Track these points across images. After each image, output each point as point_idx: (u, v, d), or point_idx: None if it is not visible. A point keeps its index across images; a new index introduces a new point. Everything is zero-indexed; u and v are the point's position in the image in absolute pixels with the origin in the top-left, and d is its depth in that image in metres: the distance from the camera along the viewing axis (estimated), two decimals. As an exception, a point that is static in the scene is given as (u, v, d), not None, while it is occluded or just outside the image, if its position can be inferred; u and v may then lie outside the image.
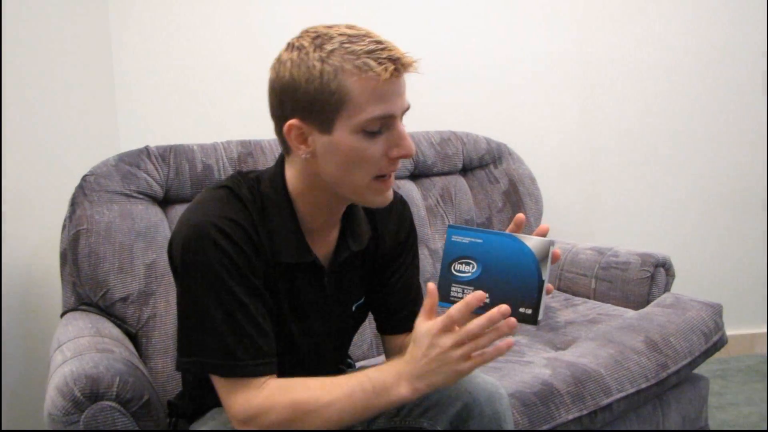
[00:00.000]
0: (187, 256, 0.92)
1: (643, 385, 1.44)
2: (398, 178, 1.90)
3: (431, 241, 1.89)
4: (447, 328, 0.88)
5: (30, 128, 1.50)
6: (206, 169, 1.57)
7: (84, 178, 1.43)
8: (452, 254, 0.95)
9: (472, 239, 0.94)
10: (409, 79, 0.93)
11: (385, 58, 0.88)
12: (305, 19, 1.04)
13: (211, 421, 1.06)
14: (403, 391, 0.89)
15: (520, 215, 0.98)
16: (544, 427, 1.27)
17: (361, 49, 0.88)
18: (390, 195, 0.99)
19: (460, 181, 2.04)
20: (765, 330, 2.58)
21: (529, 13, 2.30)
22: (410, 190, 1.90)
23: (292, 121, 0.92)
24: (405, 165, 1.90)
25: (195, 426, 1.09)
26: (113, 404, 1.00)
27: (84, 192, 1.41)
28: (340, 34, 0.90)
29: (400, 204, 1.16)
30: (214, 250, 0.90)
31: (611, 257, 1.88)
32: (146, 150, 1.54)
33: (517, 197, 2.05)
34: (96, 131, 1.87)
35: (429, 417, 1.04)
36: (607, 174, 2.42)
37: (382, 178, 0.96)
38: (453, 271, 0.95)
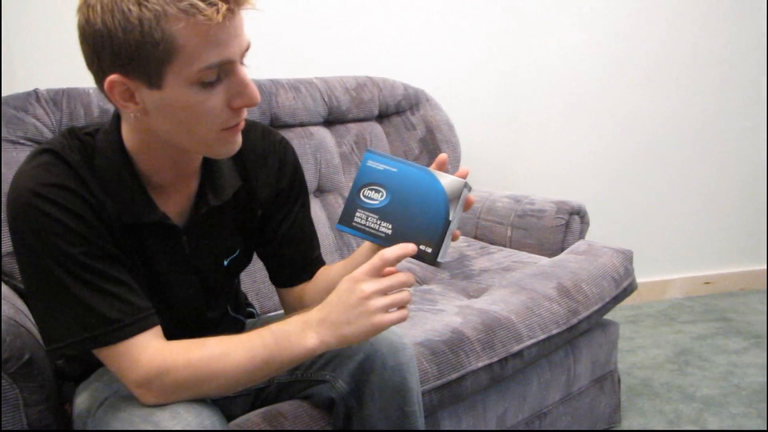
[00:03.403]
0: (18, 233, 0.82)
1: (554, 331, 1.44)
2: (311, 124, 1.82)
3: (345, 189, 1.83)
4: (373, 272, 0.83)
5: None
6: (103, 114, 1.46)
7: (-44, 122, 1.30)
8: (364, 179, 0.91)
9: (387, 167, 0.91)
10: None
11: None
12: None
13: (95, 382, 0.99)
14: (309, 342, 0.83)
15: (443, 155, 0.93)
16: (453, 375, 1.25)
17: None
18: (238, 142, 0.88)
19: (375, 128, 1.97)
20: (675, 277, 2.67)
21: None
22: (324, 137, 1.83)
23: (113, 77, 0.79)
24: (318, 111, 1.82)
25: (80, 388, 1.01)
26: (-14, 365, 0.91)
27: (-44, 137, 1.28)
28: None
29: (280, 148, 1.04)
30: (43, 219, 0.80)
31: (527, 205, 1.87)
32: (35, 93, 1.42)
33: (434, 144, 2.00)
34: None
35: (330, 369, 1.02)
36: (527, 123, 2.41)
37: (229, 128, 0.85)
38: (361, 196, 0.91)
